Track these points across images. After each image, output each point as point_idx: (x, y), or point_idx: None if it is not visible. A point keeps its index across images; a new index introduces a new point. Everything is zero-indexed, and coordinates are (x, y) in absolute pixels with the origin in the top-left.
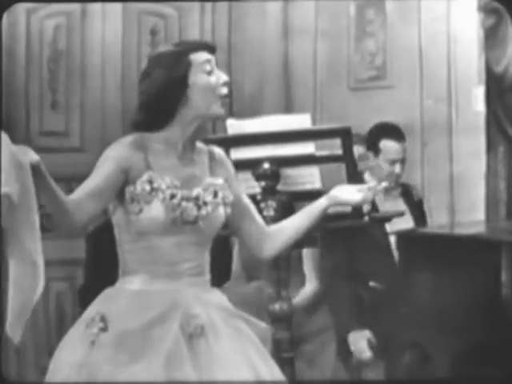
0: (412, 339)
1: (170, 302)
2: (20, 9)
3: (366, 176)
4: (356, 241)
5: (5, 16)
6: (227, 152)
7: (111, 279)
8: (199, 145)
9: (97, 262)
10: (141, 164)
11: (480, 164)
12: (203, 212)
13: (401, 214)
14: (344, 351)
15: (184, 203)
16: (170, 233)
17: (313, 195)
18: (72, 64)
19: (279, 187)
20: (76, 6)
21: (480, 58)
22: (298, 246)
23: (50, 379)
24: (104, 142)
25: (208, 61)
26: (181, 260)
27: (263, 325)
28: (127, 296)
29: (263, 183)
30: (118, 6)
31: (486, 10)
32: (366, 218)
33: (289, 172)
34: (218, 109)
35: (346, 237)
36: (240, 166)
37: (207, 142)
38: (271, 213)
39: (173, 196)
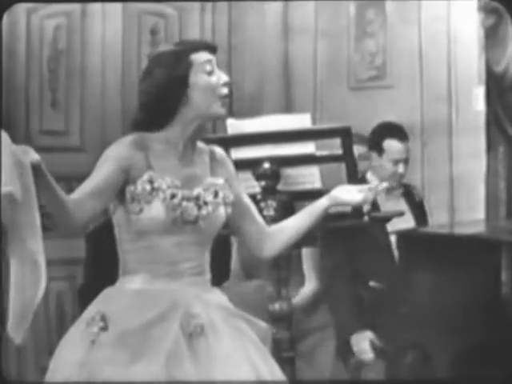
0: (412, 339)
1: (170, 302)
2: (20, 9)
3: (369, 176)
4: (356, 241)
5: (5, 16)
6: (227, 152)
7: (111, 279)
8: (200, 145)
9: (97, 262)
10: (141, 164)
11: (480, 164)
12: (204, 212)
13: (400, 214)
14: (344, 351)
15: (184, 203)
16: (171, 232)
17: (313, 195)
18: (72, 63)
19: (279, 187)
20: (76, 6)
21: (480, 57)
22: (298, 245)
23: (50, 378)
24: (104, 142)
25: (209, 61)
26: (181, 260)
27: (263, 324)
28: (127, 295)
29: (263, 183)
30: (118, 5)
31: (486, 9)
32: (366, 218)
33: (289, 172)
34: (218, 109)
35: (346, 237)
36: (240, 165)
37: (207, 141)
38: (271, 212)
39: (173, 196)
